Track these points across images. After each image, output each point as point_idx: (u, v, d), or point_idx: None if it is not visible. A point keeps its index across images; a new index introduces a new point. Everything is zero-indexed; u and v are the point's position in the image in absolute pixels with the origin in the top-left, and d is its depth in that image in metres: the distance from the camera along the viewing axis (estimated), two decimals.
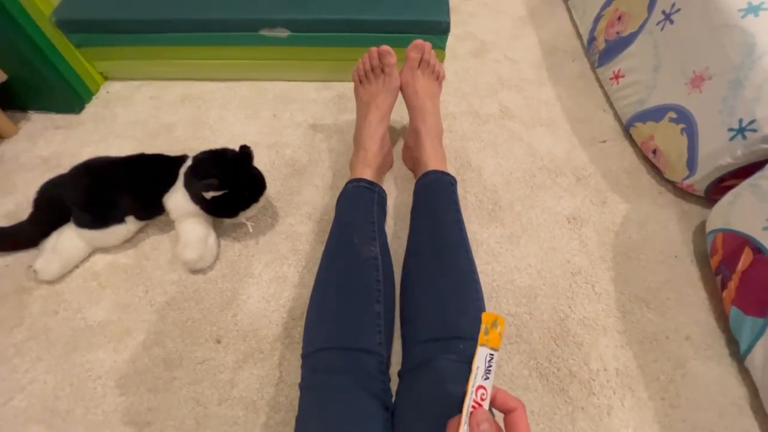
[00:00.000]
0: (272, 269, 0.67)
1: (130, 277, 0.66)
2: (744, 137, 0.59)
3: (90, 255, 0.68)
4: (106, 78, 0.95)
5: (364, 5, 0.82)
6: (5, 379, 0.57)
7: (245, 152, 0.63)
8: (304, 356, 0.50)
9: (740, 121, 0.59)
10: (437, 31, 0.82)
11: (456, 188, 0.65)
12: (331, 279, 0.56)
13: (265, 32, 0.84)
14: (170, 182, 0.65)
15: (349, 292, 0.54)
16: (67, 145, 0.84)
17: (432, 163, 0.66)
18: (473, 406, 0.35)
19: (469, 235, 0.60)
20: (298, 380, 0.49)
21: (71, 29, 0.83)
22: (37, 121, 0.88)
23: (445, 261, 0.55)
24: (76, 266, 0.66)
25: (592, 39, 0.98)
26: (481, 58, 1.02)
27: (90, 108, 0.90)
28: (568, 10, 1.13)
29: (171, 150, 0.82)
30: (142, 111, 0.90)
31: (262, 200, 0.65)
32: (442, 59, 0.90)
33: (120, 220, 0.64)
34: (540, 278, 0.66)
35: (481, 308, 0.52)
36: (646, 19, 0.78)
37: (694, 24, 0.67)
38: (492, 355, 0.37)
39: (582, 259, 0.68)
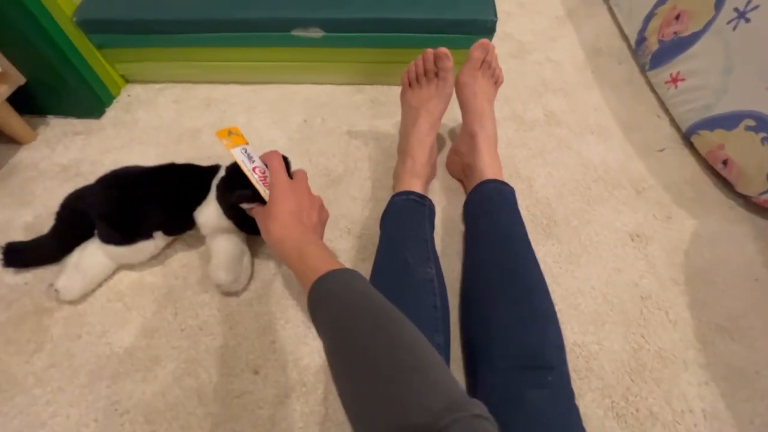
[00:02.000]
0: None
1: (158, 298, 0.61)
2: None
3: (114, 272, 0.63)
4: (127, 81, 0.91)
5: (404, 4, 0.77)
6: (24, 412, 0.52)
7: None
8: None
9: None
10: (482, 31, 0.76)
11: (516, 199, 0.59)
12: None
13: (297, 33, 0.78)
14: (202, 195, 0.59)
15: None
16: (87, 152, 0.79)
17: (489, 172, 0.60)
18: (262, 179, 0.48)
19: None
20: (346, 418, 0.43)
21: (93, 29, 0.78)
22: (56, 127, 0.83)
23: (518, 279, 0.49)
24: (100, 285, 0.61)
25: (641, 40, 0.91)
26: (520, 59, 0.96)
27: (111, 112, 0.86)
28: (610, 9, 1.07)
29: (196, 157, 0.77)
30: (165, 115, 0.85)
31: None
32: None
33: (148, 235, 0.59)
34: (606, 303, 0.60)
35: (559, 334, 0.46)
36: (714, 17, 0.72)
37: None
38: (244, 148, 0.49)
39: (651, 281, 0.62)
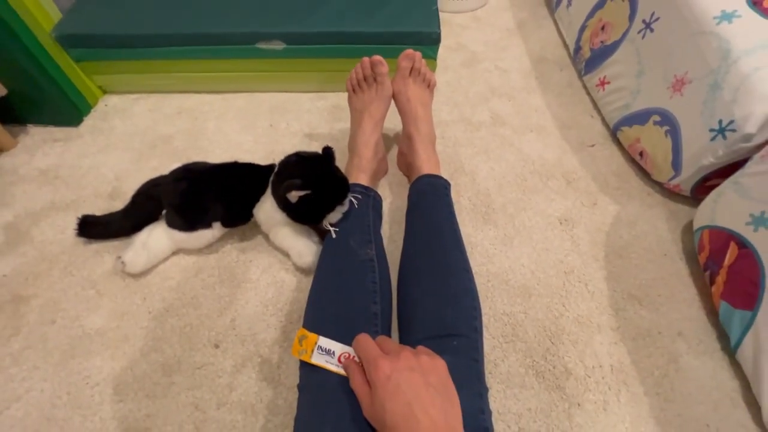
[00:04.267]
0: (270, 274, 0.68)
1: (128, 284, 0.66)
2: (724, 137, 0.62)
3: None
4: (104, 91, 0.97)
5: (358, 18, 0.85)
6: (1, 388, 0.56)
7: (327, 153, 0.61)
8: None
9: (720, 122, 0.62)
10: (428, 41, 0.85)
11: (449, 191, 0.67)
12: (329, 281, 0.56)
13: (261, 45, 0.86)
14: (259, 192, 0.65)
15: (346, 294, 0.54)
16: (65, 158, 0.85)
17: (426, 168, 0.68)
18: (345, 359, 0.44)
19: (464, 237, 0.61)
20: (297, 383, 0.49)
21: (71, 44, 0.85)
22: (35, 135, 0.89)
23: (439, 260, 0.56)
24: (161, 262, 0.68)
25: (578, 48, 1.01)
26: (471, 68, 1.05)
27: (88, 121, 0.92)
28: (555, 21, 1.17)
29: (169, 161, 0.83)
30: (140, 123, 0.91)
31: (347, 203, 0.62)
32: (433, 69, 0.92)
33: (207, 225, 0.65)
34: (534, 278, 0.67)
35: (476, 306, 0.53)
36: (628, 29, 0.82)
37: (672, 32, 0.71)
38: (319, 346, 0.45)
39: (574, 258, 0.70)
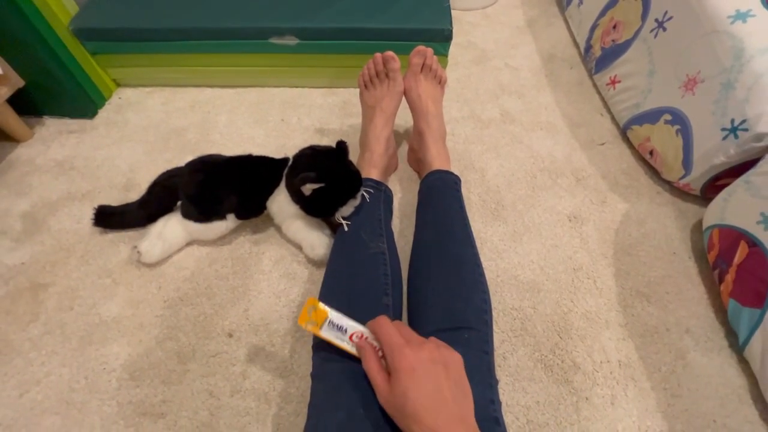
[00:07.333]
0: (282, 266, 0.69)
1: (144, 274, 0.67)
2: (736, 136, 0.62)
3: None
4: (118, 84, 0.98)
5: (370, 14, 0.86)
6: (21, 372, 0.58)
7: (341, 147, 0.62)
8: (315, 346, 0.51)
9: (732, 121, 0.62)
10: (440, 38, 0.86)
11: (460, 186, 0.67)
12: (341, 273, 0.57)
13: (274, 40, 0.87)
14: (273, 185, 0.66)
15: (358, 285, 0.55)
16: (80, 149, 0.86)
17: (436, 163, 0.69)
18: (358, 339, 0.42)
19: (474, 233, 0.62)
20: (309, 372, 0.50)
21: (87, 37, 0.86)
22: (51, 126, 0.90)
23: (449, 254, 0.56)
24: (176, 252, 0.69)
25: (588, 47, 1.01)
26: (482, 65, 1.05)
27: (103, 113, 0.93)
28: (565, 20, 1.17)
29: (182, 154, 0.85)
30: (153, 116, 0.93)
31: (359, 197, 0.62)
32: (444, 66, 0.93)
33: (222, 216, 0.66)
34: (543, 274, 0.68)
35: (486, 300, 0.54)
36: (640, 27, 0.82)
37: (685, 31, 0.71)
38: (330, 321, 0.44)
39: (583, 255, 0.70)
